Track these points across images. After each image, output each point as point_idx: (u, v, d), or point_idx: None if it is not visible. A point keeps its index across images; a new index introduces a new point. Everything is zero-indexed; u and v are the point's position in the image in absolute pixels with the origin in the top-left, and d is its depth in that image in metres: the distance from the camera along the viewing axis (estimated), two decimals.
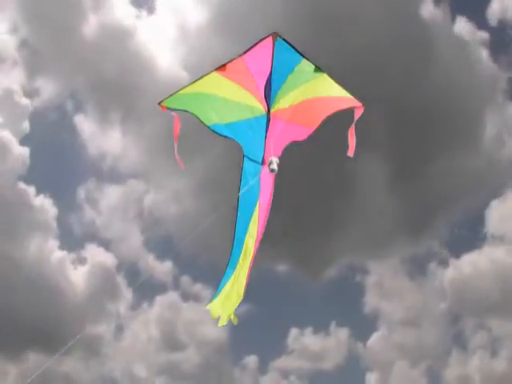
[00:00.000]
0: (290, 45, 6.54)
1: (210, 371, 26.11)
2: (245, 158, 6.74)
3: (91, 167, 30.18)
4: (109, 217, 29.51)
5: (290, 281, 28.19)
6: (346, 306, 27.63)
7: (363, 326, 27.59)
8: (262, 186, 6.77)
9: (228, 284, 6.82)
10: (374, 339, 26.86)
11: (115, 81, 28.39)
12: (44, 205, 27.24)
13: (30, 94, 29.02)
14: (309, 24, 25.13)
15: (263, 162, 6.69)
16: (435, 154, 27.48)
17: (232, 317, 6.76)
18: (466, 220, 29.18)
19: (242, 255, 6.76)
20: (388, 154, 27.82)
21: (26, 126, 27.93)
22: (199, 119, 6.43)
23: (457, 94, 27.67)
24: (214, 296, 6.84)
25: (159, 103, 6.24)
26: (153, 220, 29.07)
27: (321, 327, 27.20)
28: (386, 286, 28.70)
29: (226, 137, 6.58)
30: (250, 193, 6.68)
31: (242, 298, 6.83)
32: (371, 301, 28.00)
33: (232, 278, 6.80)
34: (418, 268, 29.07)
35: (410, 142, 27.28)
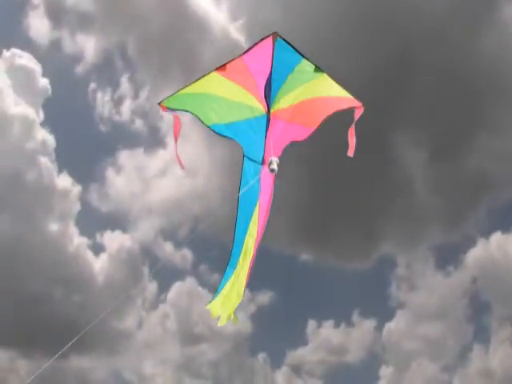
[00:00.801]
0: (289, 45, 6.52)
1: (229, 362, 26.00)
2: (245, 158, 6.73)
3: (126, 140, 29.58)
4: (133, 198, 28.98)
5: (313, 271, 28.02)
6: (370, 298, 27.29)
7: (387, 318, 27.40)
8: (262, 186, 6.77)
9: (228, 284, 6.82)
10: (397, 331, 26.60)
11: (168, 39, 27.35)
12: (67, 186, 27.03)
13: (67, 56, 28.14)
14: None
15: (263, 162, 6.69)
16: (476, 133, 26.49)
17: (232, 317, 6.77)
18: (505, 204, 28.14)
19: (241, 255, 6.76)
20: (428, 134, 26.91)
21: (44, 106, 27.52)
22: (199, 119, 6.43)
23: (506, 68, 25.96)
24: (214, 296, 6.84)
25: (159, 103, 6.24)
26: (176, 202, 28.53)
27: (343, 318, 27.08)
28: (413, 278, 28.21)
29: (226, 137, 6.58)
30: (250, 193, 6.67)
31: (242, 297, 6.83)
32: (397, 293, 27.68)
33: (232, 277, 6.80)
34: (448, 259, 28.42)
35: (451, 121, 26.21)
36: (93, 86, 29.45)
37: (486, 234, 27.73)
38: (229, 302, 6.79)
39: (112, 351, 25.19)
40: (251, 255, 6.78)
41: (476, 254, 27.07)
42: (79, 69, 29.06)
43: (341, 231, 27.12)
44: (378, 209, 26.88)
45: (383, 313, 27.55)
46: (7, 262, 23.79)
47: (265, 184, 6.77)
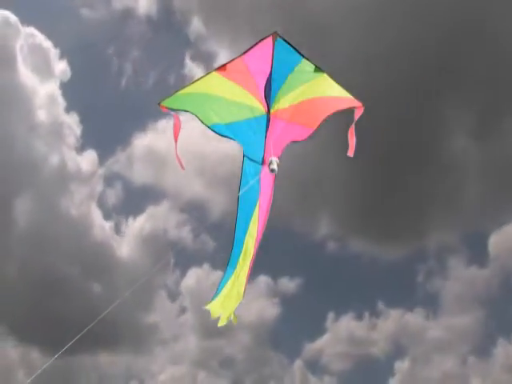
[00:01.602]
0: (289, 45, 6.54)
1: (248, 355, 25.57)
2: (245, 158, 6.74)
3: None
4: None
5: (344, 259, 27.56)
6: (398, 288, 26.80)
7: (412, 309, 27.05)
8: (261, 186, 6.78)
9: (228, 284, 6.83)
10: (421, 324, 26.22)
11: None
12: (90, 166, 26.48)
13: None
14: None
15: (263, 162, 6.69)
16: None
17: (232, 316, 6.77)
18: None
19: (241, 255, 6.77)
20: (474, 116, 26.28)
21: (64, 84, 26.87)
22: (199, 119, 6.43)
23: None
24: (214, 296, 6.84)
25: (159, 103, 6.24)
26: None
27: (367, 309, 26.64)
28: (443, 268, 27.74)
29: (226, 137, 6.58)
30: (250, 193, 6.68)
31: (242, 297, 6.84)
32: (425, 283, 27.24)
33: (232, 277, 6.81)
34: (480, 248, 27.48)
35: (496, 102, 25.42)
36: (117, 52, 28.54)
37: None
38: (229, 302, 6.80)
39: (129, 345, 24.67)
40: (251, 255, 6.80)
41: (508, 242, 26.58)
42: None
43: (376, 221, 26.63)
44: (417, 198, 26.24)
45: (409, 304, 27.25)
46: (30, 244, 23.39)
47: (265, 184, 6.77)
